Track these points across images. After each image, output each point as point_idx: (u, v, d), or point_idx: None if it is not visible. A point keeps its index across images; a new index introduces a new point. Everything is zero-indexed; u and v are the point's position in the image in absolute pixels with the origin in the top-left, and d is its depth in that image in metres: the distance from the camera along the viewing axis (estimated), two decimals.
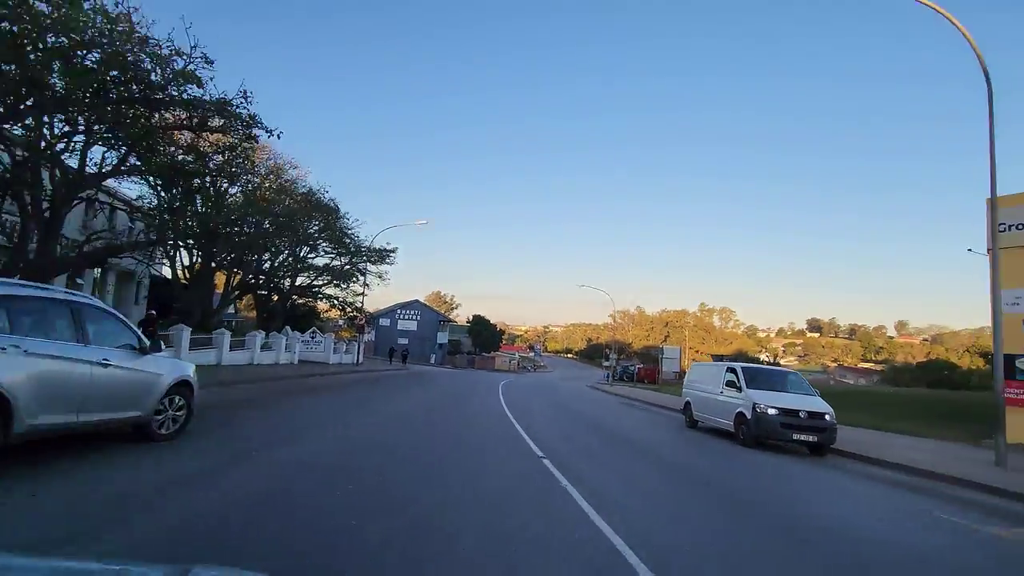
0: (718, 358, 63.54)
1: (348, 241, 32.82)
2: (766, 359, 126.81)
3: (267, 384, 17.03)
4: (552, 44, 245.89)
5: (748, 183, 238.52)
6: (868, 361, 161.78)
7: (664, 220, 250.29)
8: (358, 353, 35.73)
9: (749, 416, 12.46)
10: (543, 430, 12.80)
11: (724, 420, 13.75)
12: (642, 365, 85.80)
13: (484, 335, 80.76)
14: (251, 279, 32.13)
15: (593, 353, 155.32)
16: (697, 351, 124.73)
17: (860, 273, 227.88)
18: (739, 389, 13.27)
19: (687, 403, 16.19)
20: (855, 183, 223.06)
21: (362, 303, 36.17)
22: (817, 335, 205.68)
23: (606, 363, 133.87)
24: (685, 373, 59.37)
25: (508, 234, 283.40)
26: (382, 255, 37.89)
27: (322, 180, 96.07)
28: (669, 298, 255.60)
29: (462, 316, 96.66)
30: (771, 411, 12.19)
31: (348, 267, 37.13)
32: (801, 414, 12.13)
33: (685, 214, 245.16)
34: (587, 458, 9.34)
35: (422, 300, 71.29)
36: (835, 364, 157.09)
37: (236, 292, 31.43)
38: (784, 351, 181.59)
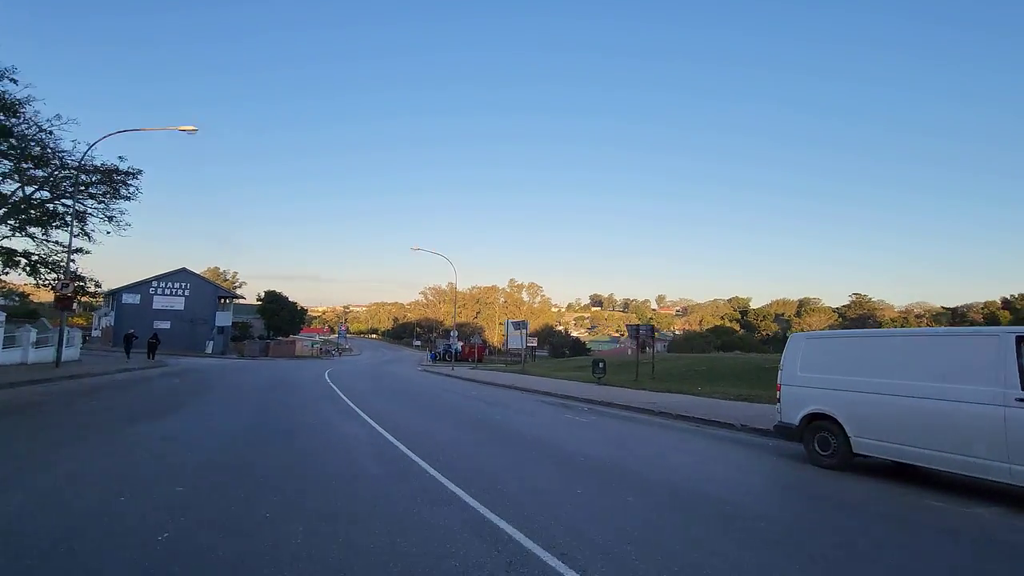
0: (644, 329, 58.07)
1: (24, 135, 17.06)
2: (561, 331, 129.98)
3: None
4: None
5: (541, 173, 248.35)
6: None
7: (474, 204, 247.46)
8: (60, 345, 19.84)
9: None
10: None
11: None
12: (471, 342, 78.53)
13: (281, 315, 64.12)
14: None
15: (401, 333, 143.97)
16: None
17: (632, 253, 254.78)
18: None
19: (815, 415, 7.43)
20: (620, 179, 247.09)
21: (68, 262, 20.27)
22: (599, 309, 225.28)
23: (417, 342, 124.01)
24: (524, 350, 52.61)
25: (304, 208, 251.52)
26: (111, 180, 22.15)
27: None
28: (480, 275, 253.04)
29: (249, 295, 76.83)
30: None
31: (38, 198, 20.73)
32: None
33: (494, 198, 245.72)
34: None
35: (193, 270, 52.11)
36: (619, 333, 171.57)
37: None
38: (575, 323, 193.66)
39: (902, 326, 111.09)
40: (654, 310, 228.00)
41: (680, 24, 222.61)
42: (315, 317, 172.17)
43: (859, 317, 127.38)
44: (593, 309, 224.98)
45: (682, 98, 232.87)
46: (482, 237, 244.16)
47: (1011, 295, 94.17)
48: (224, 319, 50.46)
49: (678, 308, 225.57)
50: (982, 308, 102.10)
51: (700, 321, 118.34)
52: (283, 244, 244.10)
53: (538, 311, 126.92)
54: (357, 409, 11.86)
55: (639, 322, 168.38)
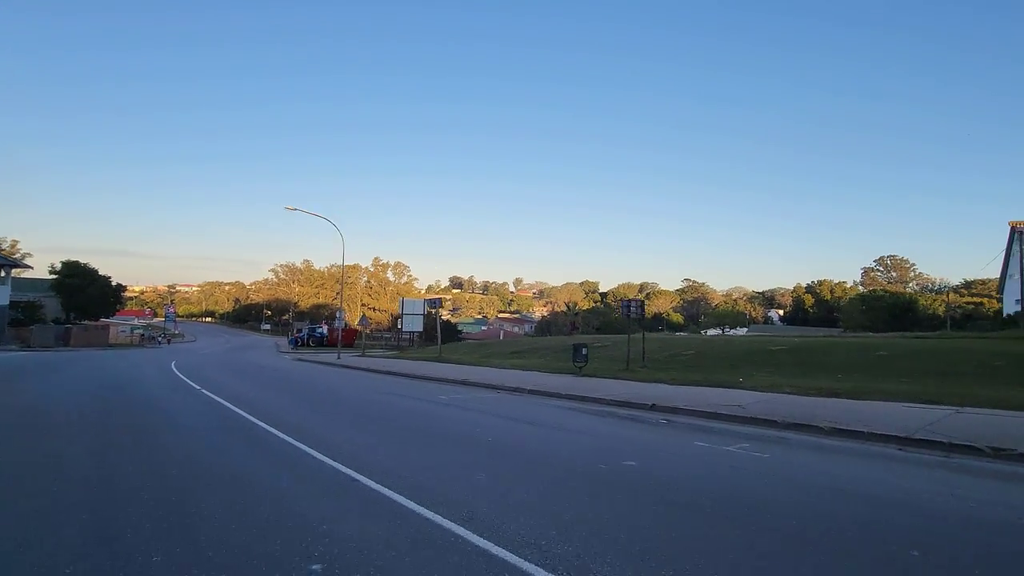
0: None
1: None
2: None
3: None
4: None
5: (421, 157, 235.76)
6: (505, 312, 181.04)
7: (331, 189, 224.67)
8: None
9: None
10: None
11: None
12: (337, 326, 67.50)
13: (87, 293, 48.81)
14: None
15: (245, 316, 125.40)
16: (372, 308, 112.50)
17: (489, 236, 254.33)
18: None
19: None
20: (492, 166, 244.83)
21: None
22: (459, 291, 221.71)
23: (266, 326, 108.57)
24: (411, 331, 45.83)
25: (110, 168, 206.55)
26: None
27: None
28: (338, 255, 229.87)
29: (40, 268, 57.68)
30: None
31: None
32: None
33: (351, 183, 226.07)
34: None
35: None
36: (481, 315, 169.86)
37: None
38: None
39: (731, 307, 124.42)
40: (512, 292, 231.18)
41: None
42: (131, 297, 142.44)
43: (694, 300, 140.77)
44: (454, 291, 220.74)
45: (537, 82, 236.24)
46: (340, 218, 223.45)
47: (812, 281, 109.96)
48: None
49: (535, 291, 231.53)
50: (791, 292, 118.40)
51: (567, 302, 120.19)
52: (85, 211, 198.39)
53: (405, 291, 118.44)
54: (336, 464, 5.45)
55: (501, 305, 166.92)
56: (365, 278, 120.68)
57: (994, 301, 48.05)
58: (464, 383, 16.35)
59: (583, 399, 12.37)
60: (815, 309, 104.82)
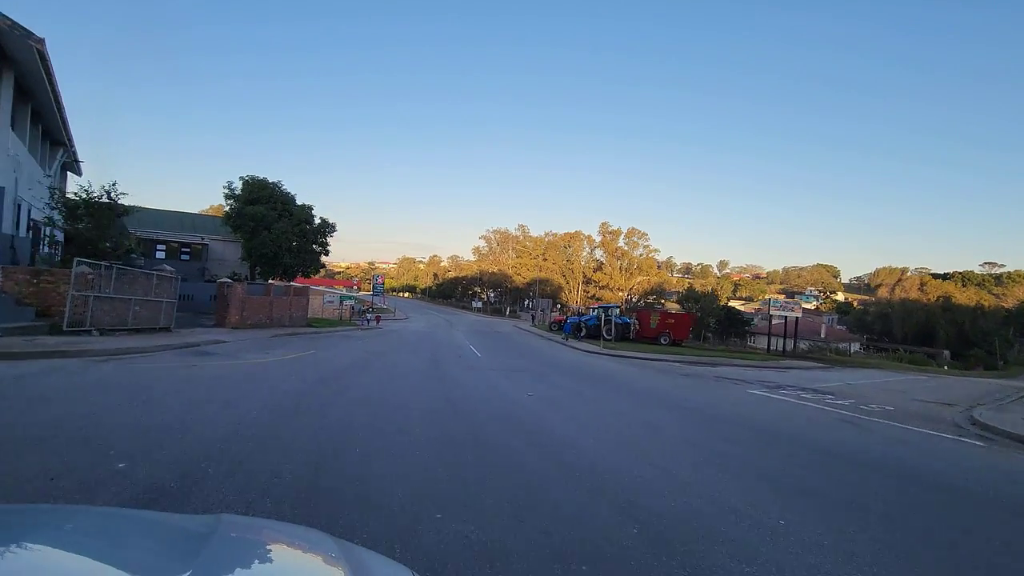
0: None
1: None
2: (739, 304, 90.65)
3: None
4: None
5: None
6: (735, 299, 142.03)
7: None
8: None
9: None
10: None
11: None
12: (656, 311, 41.55)
13: (277, 230, 27.17)
14: None
15: (449, 291, 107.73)
16: (601, 286, 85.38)
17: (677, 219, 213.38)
18: None
19: None
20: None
21: None
22: (659, 272, 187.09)
23: (477, 303, 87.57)
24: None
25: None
26: None
27: None
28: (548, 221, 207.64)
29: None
30: None
31: None
32: None
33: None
34: None
35: None
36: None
37: None
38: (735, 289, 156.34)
39: None
40: (717, 276, 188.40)
41: None
42: (336, 272, 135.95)
43: None
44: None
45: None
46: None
47: None
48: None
49: (749, 274, 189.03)
50: None
51: (913, 286, 79.54)
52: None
53: (646, 267, 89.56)
54: None
55: (728, 289, 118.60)
56: (588, 248, 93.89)
57: None
58: None
59: None
60: None
